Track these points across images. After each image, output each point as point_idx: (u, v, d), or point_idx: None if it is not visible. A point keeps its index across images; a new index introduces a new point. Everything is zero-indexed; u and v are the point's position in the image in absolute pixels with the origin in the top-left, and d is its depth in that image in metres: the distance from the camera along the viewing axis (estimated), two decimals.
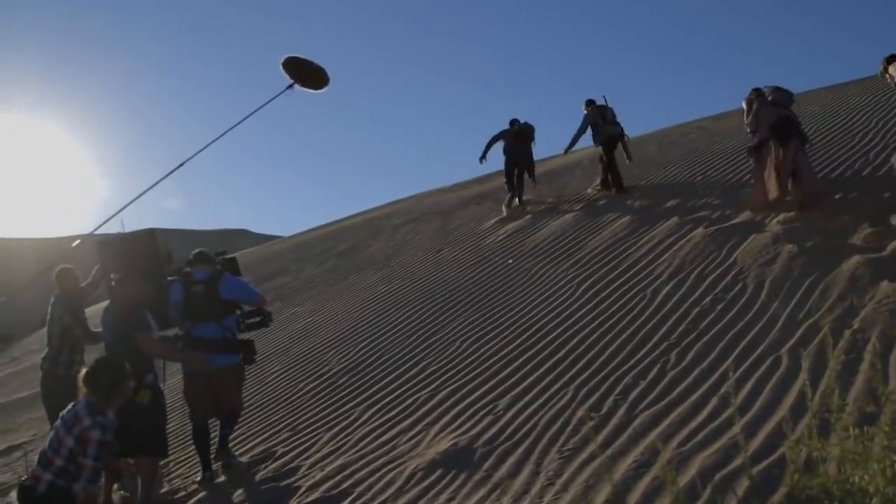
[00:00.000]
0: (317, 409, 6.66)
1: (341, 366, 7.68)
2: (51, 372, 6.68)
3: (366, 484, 4.82)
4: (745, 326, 5.56)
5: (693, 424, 4.29)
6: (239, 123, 5.23)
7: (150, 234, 6.37)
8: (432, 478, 4.60)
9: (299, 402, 7.06)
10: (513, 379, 5.83)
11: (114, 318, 5.44)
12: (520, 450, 4.62)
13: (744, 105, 8.95)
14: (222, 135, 5.20)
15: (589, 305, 6.97)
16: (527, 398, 5.39)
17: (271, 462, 5.77)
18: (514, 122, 12.39)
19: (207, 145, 5.15)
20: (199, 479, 5.71)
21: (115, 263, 5.85)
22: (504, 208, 12.52)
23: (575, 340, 6.23)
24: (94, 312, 6.83)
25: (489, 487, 4.26)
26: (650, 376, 5.16)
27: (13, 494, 6.41)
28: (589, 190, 12.11)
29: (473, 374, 6.21)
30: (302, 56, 5.60)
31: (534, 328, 6.82)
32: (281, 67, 5.57)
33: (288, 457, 5.78)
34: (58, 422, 4.18)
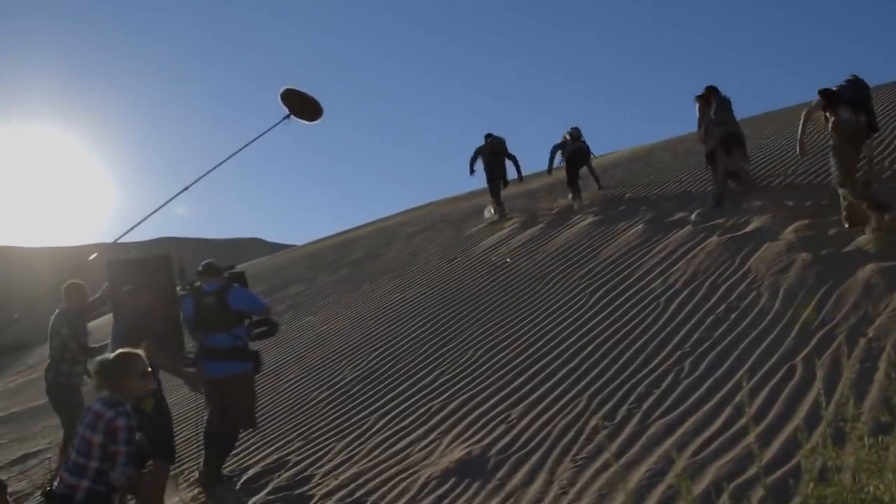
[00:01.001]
0: (330, 418, 6.68)
1: (354, 374, 7.70)
2: (54, 382, 6.83)
3: (379, 493, 4.83)
4: (759, 335, 5.54)
5: (707, 433, 4.27)
6: (237, 153, 5.46)
7: (167, 258, 6.51)
8: (446, 486, 4.61)
9: (312, 410, 7.08)
10: (526, 388, 5.83)
11: (120, 329, 5.57)
12: (533, 458, 4.62)
13: (695, 101, 10.16)
14: (220, 164, 5.41)
15: (602, 314, 6.96)
16: (540, 407, 5.39)
17: (284, 471, 5.78)
18: (488, 136, 13.77)
19: (205, 174, 5.35)
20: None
21: (129, 277, 5.99)
22: (489, 212, 14.15)
23: (589, 349, 6.23)
24: (105, 322, 6.91)
25: (503, 496, 4.26)
26: (664, 385, 5.15)
27: (33, 501, 6.48)
28: (574, 205, 12.84)
29: (487, 382, 6.21)
30: (299, 89, 5.90)
31: (547, 337, 6.82)
32: (279, 98, 5.85)
33: (301, 465, 5.80)
34: (79, 427, 4.19)
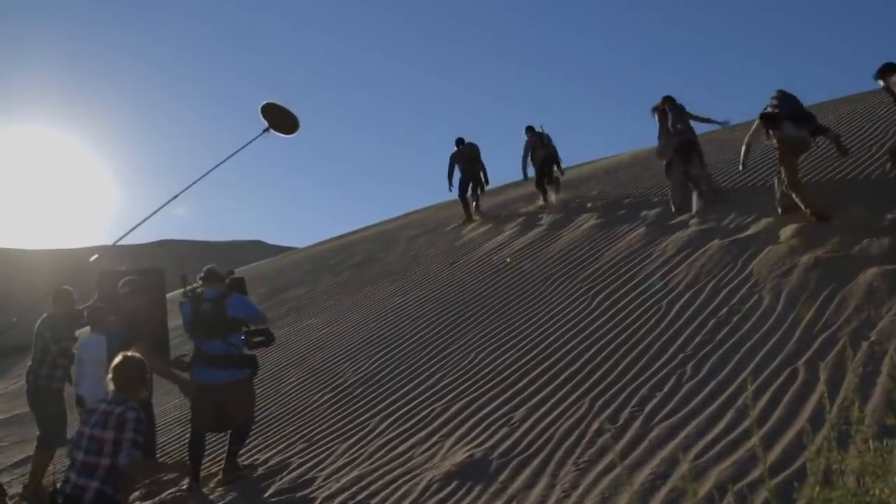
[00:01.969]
0: (332, 421, 6.68)
1: (356, 377, 7.70)
2: (33, 385, 6.86)
3: (381, 496, 4.84)
4: (761, 338, 5.53)
5: (710, 436, 4.27)
6: (218, 166, 5.72)
7: (159, 272, 6.68)
8: (448, 489, 4.61)
9: (314, 413, 7.08)
10: (528, 390, 5.83)
11: (120, 329, 5.67)
12: (536, 461, 4.61)
13: (652, 114, 10.27)
14: (202, 176, 5.59)
15: (605, 317, 6.96)
16: (542, 410, 5.39)
17: (287, 473, 5.79)
18: (459, 141, 14.11)
19: (190, 185, 5.49)
20: (185, 486, 5.96)
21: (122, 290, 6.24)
22: (465, 216, 14.66)
23: (591, 352, 6.22)
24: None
25: (505, 499, 4.26)
26: (666, 388, 5.15)
27: None
28: (553, 200, 13.52)
29: (489, 385, 6.21)
30: (278, 103, 6.07)
31: (549, 339, 6.81)
32: (259, 112, 6.00)
33: (303, 468, 5.80)
34: (85, 428, 4.19)
